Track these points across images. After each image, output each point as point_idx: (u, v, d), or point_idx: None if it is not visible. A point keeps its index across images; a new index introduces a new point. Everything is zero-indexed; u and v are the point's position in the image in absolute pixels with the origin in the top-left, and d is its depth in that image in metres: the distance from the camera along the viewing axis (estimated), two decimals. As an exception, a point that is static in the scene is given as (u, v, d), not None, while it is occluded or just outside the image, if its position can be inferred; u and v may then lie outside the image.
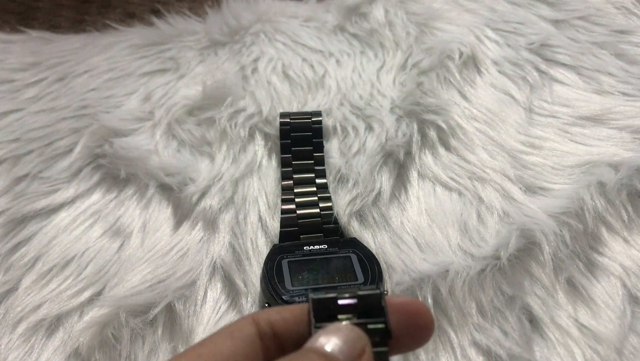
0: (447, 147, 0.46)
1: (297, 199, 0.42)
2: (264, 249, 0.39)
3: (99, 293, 0.37)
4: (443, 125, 0.46)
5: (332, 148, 0.46)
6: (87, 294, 0.37)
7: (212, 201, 0.41)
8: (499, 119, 0.48)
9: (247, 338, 0.21)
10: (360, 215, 0.41)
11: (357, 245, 0.39)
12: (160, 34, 0.58)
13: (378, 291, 0.22)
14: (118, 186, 0.44)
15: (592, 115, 0.47)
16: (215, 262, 0.38)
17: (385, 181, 0.43)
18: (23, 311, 0.36)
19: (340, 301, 0.22)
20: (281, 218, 0.40)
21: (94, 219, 0.42)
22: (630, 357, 0.34)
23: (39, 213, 0.42)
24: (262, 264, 0.38)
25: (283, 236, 0.40)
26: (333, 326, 0.21)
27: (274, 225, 0.41)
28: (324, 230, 0.40)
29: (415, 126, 0.46)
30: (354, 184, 0.43)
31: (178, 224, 0.41)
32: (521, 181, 0.43)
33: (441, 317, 0.35)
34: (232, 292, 0.37)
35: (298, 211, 0.41)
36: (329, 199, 0.42)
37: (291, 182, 0.43)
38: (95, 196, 0.43)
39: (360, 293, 0.22)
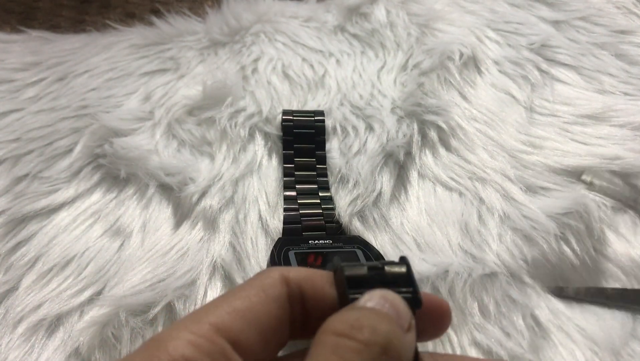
0: (448, 147, 0.46)
1: (299, 199, 0.42)
2: (265, 249, 0.39)
3: (99, 293, 0.37)
4: (443, 125, 0.46)
5: (333, 148, 0.46)
6: (87, 293, 0.37)
7: (212, 201, 0.41)
8: (499, 119, 0.48)
9: (279, 299, 0.21)
10: (361, 216, 0.41)
11: (361, 242, 0.39)
12: (160, 34, 0.58)
13: (405, 263, 0.22)
14: (118, 186, 0.44)
15: (593, 113, 0.47)
16: (215, 261, 0.38)
17: (385, 181, 0.43)
18: (23, 310, 0.36)
19: (371, 272, 0.22)
20: (284, 215, 0.40)
21: (94, 219, 0.42)
22: (629, 359, 0.34)
23: (39, 212, 0.42)
24: (265, 260, 0.37)
25: (286, 232, 0.40)
26: (379, 291, 0.20)
27: (275, 224, 0.41)
28: (326, 229, 0.40)
29: (415, 127, 0.46)
30: (355, 185, 0.43)
31: (178, 223, 0.41)
32: (522, 181, 0.43)
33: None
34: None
35: (301, 211, 0.41)
36: (330, 198, 0.42)
37: (293, 178, 0.43)
38: (96, 196, 0.43)
39: (388, 266, 0.22)
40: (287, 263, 0.35)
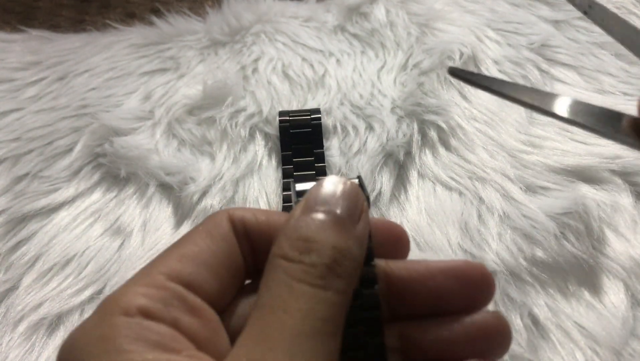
0: (448, 147, 0.46)
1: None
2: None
3: (99, 292, 0.37)
4: (443, 125, 0.46)
5: (333, 147, 0.46)
6: (87, 293, 0.37)
7: (212, 201, 0.41)
8: (499, 118, 0.48)
9: (226, 236, 0.21)
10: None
11: None
12: (160, 33, 0.58)
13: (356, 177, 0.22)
14: (118, 185, 0.44)
15: (592, 114, 0.47)
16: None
17: (385, 181, 0.43)
18: (24, 310, 0.36)
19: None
20: (283, 207, 0.41)
21: (95, 218, 0.42)
22: (630, 358, 0.34)
23: (39, 212, 0.42)
24: None
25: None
26: (327, 179, 0.20)
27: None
28: None
29: (415, 126, 0.46)
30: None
31: (179, 223, 0.41)
32: (522, 180, 0.43)
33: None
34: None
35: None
36: None
37: (292, 179, 0.43)
38: (96, 195, 0.43)
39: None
40: None
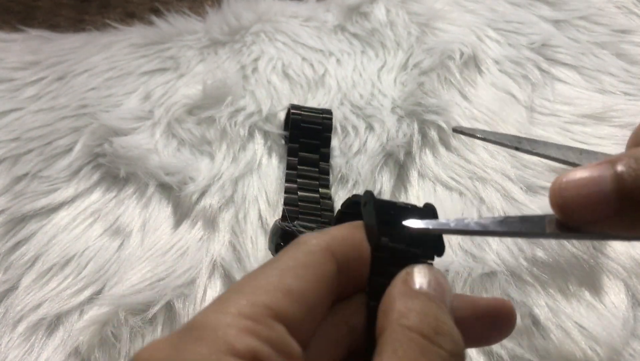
0: (448, 147, 0.46)
1: (299, 191, 0.42)
2: (264, 248, 0.39)
3: (98, 292, 0.37)
4: (444, 125, 0.46)
5: (333, 147, 0.46)
6: (87, 293, 0.37)
7: (212, 200, 0.41)
8: (499, 118, 0.47)
9: (329, 278, 0.20)
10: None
11: None
12: (160, 33, 0.57)
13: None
14: (118, 185, 0.44)
15: (593, 113, 0.47)
16: (215, 261, 0.38)
17: (385, 181, 0.43)
18: (23, 310, 0.36)
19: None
20: (284, 208, 0.40)
21: (94, 218, 0.42)
22: (630, 359, 0.34)
23: (39, 212, 0.42)
24: (265, 259, 0.37)
25: (284, 215, 0.40)
26: (430, 272, 0.21)
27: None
28: (321, 216, 0.40)
29: (415, 126, 0.46)
30: (354, 185, 0.43)
31: (178, 223, 0.41)
32: (522, 180, 0.42)
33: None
34: (232, 291, 0.37)
35: (300, 203, 0.41)
36: (329, 197, 0.42)
37: (295, 172, 0.43)
38: (95, 195, 0.43)
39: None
40: (298, 231, 0.35)
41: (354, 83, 0.52)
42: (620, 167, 0.20)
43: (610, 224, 0.20)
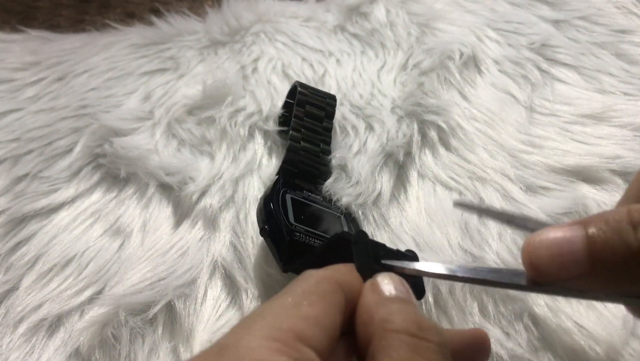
0: (448, 147, 0.46)
1: (302, 142, 0.43)
2: (265, 248, 0.39)
3: (99, 292, 0.37)
4: (443, 125, 0.46)
5: (333, 147, 0.46)
6: (87, 293, 0.37)
7: (212, 200, 0.41)
8: (499, 118, 0.48)
9: (339, 305, 0.21)
10: (362, 214, 0.41)
11: (347, 212, 0.40)
12: (160, 33, 0.57)
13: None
14: (118, 186, 0.44)
15: (593, 113, 0.47)
16: (215, 261, 0.38)
17: (385, 181, 0.43)
18: (24, 310, 0.36)
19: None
20: (285, 156, 0.42)
21: (94, 218, 0.42)
22: (630, 359, 0.34)
23: (39, 212, 0.42)
24: (265, 259, 0.38)
25: (283, 172, 0.41)
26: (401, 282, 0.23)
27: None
28: (319, 171, 0.42)
29: (415, 126, 0.46)
30: (355, 185, 0.43)
31: (178, 223, 0.41)
32: (522, 180, 0.43)
33: (441, 316, 0.35)
34: (232, 290, 0.37)
35: (302, 143, 0.42)
36: (329, 152, 0.44)
37: (301, 122, 0.44)
38: (96, 196, 0.43)
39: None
40: (284, 205, 0.36)
41: (354, 83, 0.52)
42: (591, 230, 0.21)
43: (581, 283, 0.21)
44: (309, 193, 0.39)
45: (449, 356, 0.20)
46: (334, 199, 0.40)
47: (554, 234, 0.21)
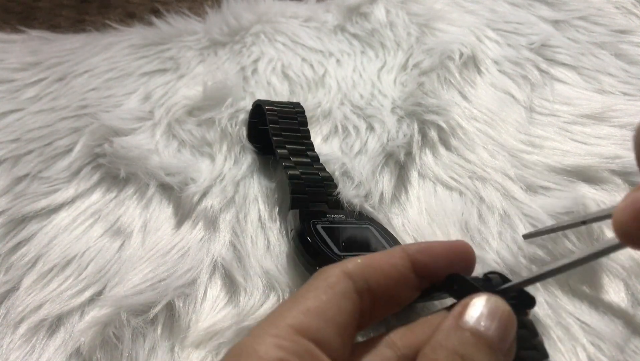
0: (448, 147, 0.46)
1: (292, 158, 0.41)
2: (264, 247, 0.39)
3: (99, 293, 0.37)
4: (444, 125, 0.46)
5: (333, 148, 0.46)
6: (87, 294, 0.37)
7: (213, 201, 0.41)
8: (499, 118, 0.48)
9: (347, 293, 0.21)
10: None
11: (368, 218, 0.39)
12: (160, 34, 0.58)
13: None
14: (118, 186, 0.44)
15: (592, 113, 0.47)
16: (215, 261, 0.38)
17: (386, 182, 0.43)
18: (24, 311, 0.36)
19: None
20: (290, 183, 0.39)
21: (94, 218, 0.42)
22: (633, 355, 0.34)
23: (39, 212, 0.42)
24: (264, 259, 0.37)
25: (295, 201, 0.39)
26: (488, 299, 0.21)
27: (274, 223, 0.41)
28: (327, 202, 0.40)
29: (415, 126, 0.46)
30: (357, 185, 0.43)
31: (179, 223, 0.41)
32: (522, 180, 0.43)
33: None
34: (231, 289, 0.37)
35: (300, 170, 0.40)
36: (317, 159, 0.42)
37: (282, 138, 0.42)
38: (96, 196, 0.43)
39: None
40: (321, 238, 0.34)
41: (354, 83, 0.52)
42: None
43: None
44: (332, 216, 0.38)
45: None
46: (349, 206, 0.39)
47: None
